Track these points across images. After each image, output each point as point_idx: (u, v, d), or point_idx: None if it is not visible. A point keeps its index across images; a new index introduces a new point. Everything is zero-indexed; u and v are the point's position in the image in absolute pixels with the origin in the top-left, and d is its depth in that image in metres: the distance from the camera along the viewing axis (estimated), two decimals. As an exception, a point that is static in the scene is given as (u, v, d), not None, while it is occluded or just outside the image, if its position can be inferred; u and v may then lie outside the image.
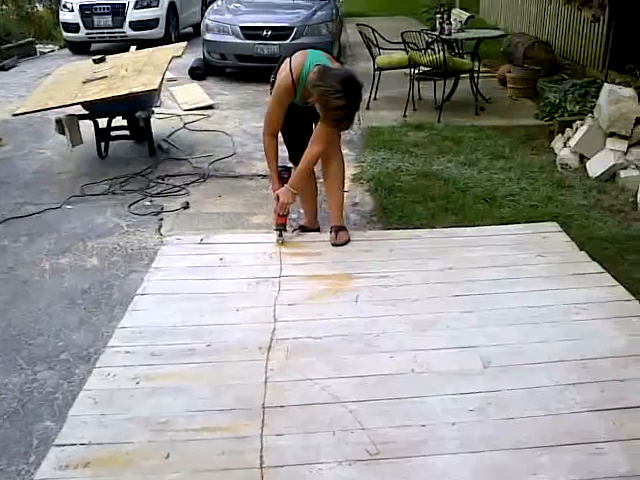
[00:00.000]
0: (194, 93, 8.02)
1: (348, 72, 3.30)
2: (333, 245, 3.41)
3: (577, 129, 5.38)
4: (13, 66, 10.45)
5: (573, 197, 4.62)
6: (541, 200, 4.55)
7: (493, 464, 1.92)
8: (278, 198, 3.45)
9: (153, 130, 5.77)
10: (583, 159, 5.17)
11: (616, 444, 1.97)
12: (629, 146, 4.93)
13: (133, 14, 11.17)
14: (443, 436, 2.02)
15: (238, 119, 7.00)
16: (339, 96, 3.06)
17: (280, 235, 3.44)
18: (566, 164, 5.19)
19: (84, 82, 5.49)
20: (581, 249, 3.31)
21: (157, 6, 11.39)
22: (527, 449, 1.96)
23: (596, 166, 4.97)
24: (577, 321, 2.64)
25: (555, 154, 5.44)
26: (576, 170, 5.12)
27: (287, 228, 3.57)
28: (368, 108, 7.06)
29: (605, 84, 5.50)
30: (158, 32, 11.32)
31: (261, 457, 1.93)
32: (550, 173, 5.10)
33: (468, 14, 9.12)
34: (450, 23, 7.35)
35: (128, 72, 5.53)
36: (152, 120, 5.80)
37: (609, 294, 2.84)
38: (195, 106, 7.43)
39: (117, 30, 11.21)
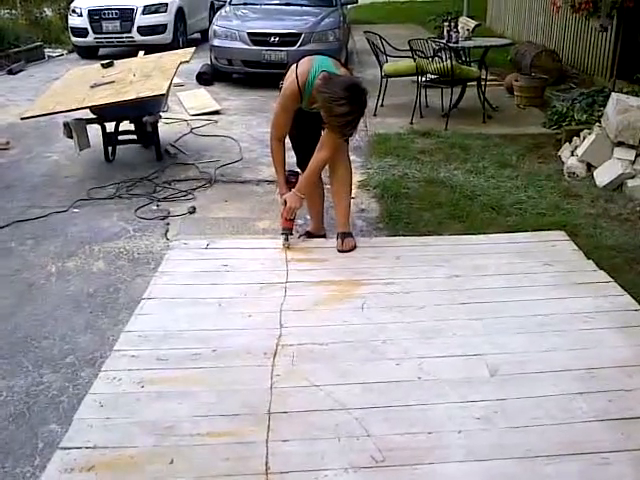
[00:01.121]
0: (201, 98, 8.04)
1: (353, 79, 3.31)
2: (339, 251, 3.41)
3: (584, 138, 5.38)
4: (21, 70, 10.49)
5: (580, 206, 4.61)
6: (548, 208, 4.54)
7: (499, 473, 1.91)
8: (285, 202, 3.46)
9: (160, 135, 5.79)
10: (590, 168, 5.16)
11: (623, 454, 1.96)
12: (637, 155, 4.92)
13: (141, 19, 11.22)
14: (449, 444, 2.01)
15: (245, 125, 7.01)
16: (343, 102, 3.07)
17: (286, 239, 3.45)
18: (573, 173, 5.18)
19: (92, 86, 5.51)
20: (588, 258, 3.30)
21: (165, 12, 11.44)
22: (533, 458, 1.95)
23: (603, 175, 4.96)
24: (584, 330, 2.63)
25: (562, 163, 5.43)
26: (583, 179, 5.11)
27: (293, 233, 3.58)
28: (375, 115, 7.07)
29: (613, 93, 5.50)
30: (166, 37, 11.37)
31: (266, 463, 1.93)
32: (557, 182, 5.10)
33: (475, 22, 9.14)
34: (457, 31, 7.37)
35: (136, 77, 5.55)
36: (159, 125, 5.82)
37: (616, 303, 2.83)
38: (202, 111, 7.45)
39: (125, 35, 11.27)
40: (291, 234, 3.51)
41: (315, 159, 3.39)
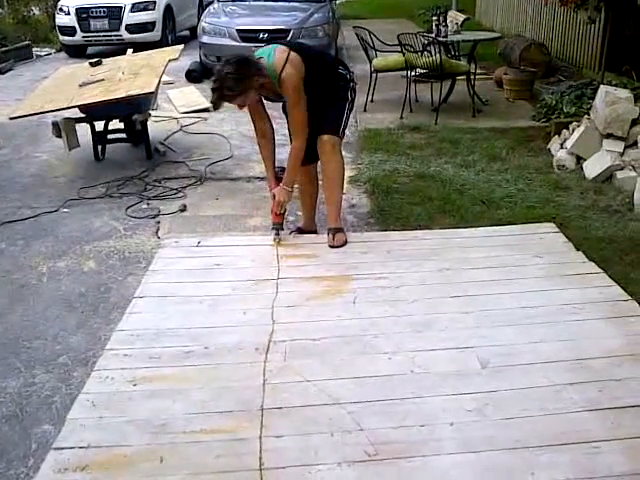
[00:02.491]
0: (191, 96, 8.01)
1: (241, 59, 3.30)
2: (330, 247, 3.42)
3: (573, 130, 5.39)
4: (10, 69, 10.43)
5: (570, 198, 4.62)
6: (538, 201, 4.56)
7: (492, 464, 1.92)
8: (275, 197, 3.47)
9: (150, 133, 5.77)
10: (580, 160, 5.17)
11: (614, 443, 1.98)
12: (625, 147, 4.93)
13: (129, 17, 11.16)
14: (442, 436, 2.02)
15: (235, 122, 6.98)
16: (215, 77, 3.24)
17: (277, 234, 3.46)
18: (563, 165, 5.20)
19: (81, 85, 5.49)
20: (578, 249, 3.32)
21: (153, 9, 11.38)
22: (525, 448, 1.97)
23: (592, 167, 4.98)
24: (574, 321, 2.65)
25: (552, 155, 5.44)
26: (573, 171, 5.13)
27: (284, 229, 3.59)
28: (365, 110, 7.07)
29: (601, 86, 5.51)
30: (155, 35, 11.32)
31: (260, 459, 1.94)
32: (547, 174, 5.11)
33: (464, 16, 9.14)
34: (446, 25, 7.35)
35: (125, 75, 5.53)
36: (149, 123, 5.80)
37: (605, 294, 2.85)
38: (192, 109, 7.43)
39: (114, 33, 11.21)
40: (282, 229, 3.52)
41: (291, 148, 3.43)
